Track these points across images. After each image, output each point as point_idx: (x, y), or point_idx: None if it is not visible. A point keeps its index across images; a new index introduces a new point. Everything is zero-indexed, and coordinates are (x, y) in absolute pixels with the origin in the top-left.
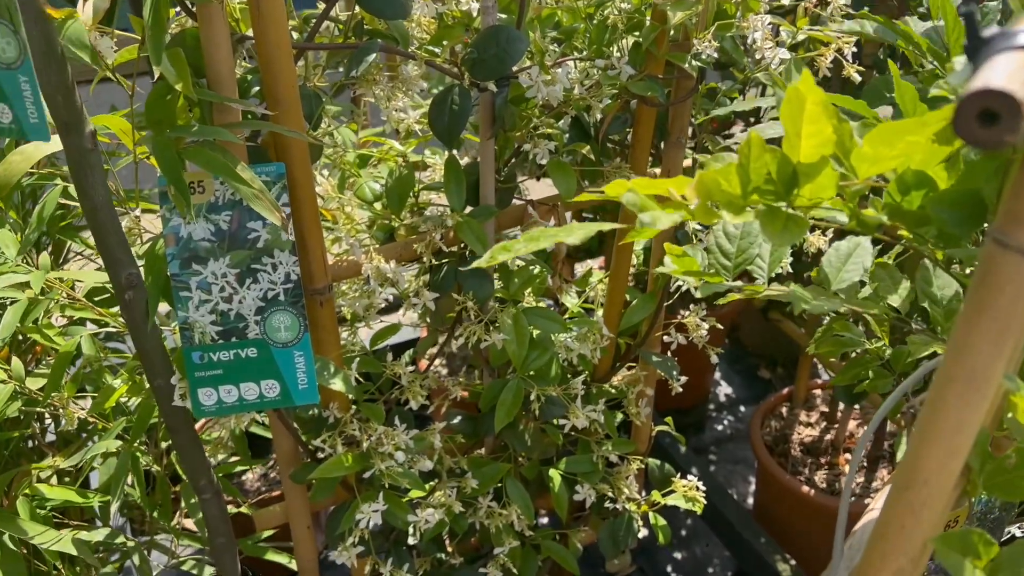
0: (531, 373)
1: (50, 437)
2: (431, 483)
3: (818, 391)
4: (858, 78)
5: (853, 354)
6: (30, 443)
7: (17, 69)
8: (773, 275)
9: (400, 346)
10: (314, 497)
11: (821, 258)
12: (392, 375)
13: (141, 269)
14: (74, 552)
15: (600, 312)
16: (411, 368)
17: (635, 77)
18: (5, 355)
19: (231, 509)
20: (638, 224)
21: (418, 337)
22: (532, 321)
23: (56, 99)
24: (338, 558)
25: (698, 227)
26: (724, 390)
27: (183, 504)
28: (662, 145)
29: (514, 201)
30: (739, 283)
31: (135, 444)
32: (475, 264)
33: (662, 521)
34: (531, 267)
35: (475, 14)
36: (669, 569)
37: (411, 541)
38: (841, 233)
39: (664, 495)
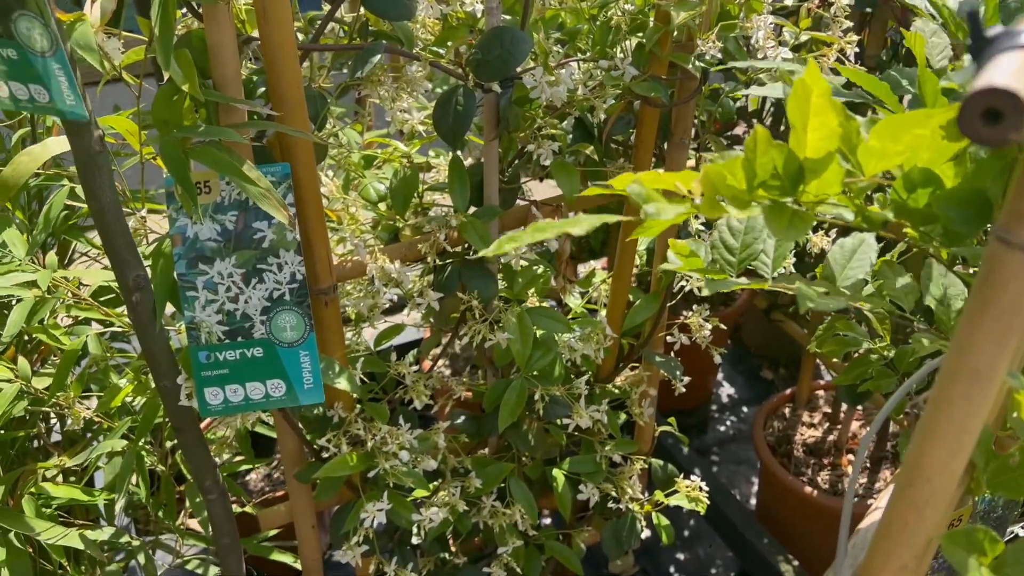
0: (535, 373)
1: (55, 437)
2: (435, 483)
3: (821, 392)
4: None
5: (856, 354)
6: (36, 443)
7: (51, 57)
8: (777, 272)
9: (404, 346)
10: (319, 496)
11: (825, 257)
12: (396, 375)
13: (148, 270)
14: (81, 547)
15: (603, 312)
16: (415, 368)
17: (639, 78)
18: (11, 355)
19: (236, 509)
20: (643, 216)
21: (422, 337)
22: (536, 321)
23: None
24: (342, 557)
25: (701, 227)
26: (727, 391)
27: (188, 504)
28: (665, 146)
29: (518, 202)
30: (743, 279)
31: (140, 444)
32: (481, 253)
33: (665, 521)
34: (535, 267)
35: (479, 15)
36: (672, 570)
37: (415, 541)
38: (845, 233)
39: (667, 495)
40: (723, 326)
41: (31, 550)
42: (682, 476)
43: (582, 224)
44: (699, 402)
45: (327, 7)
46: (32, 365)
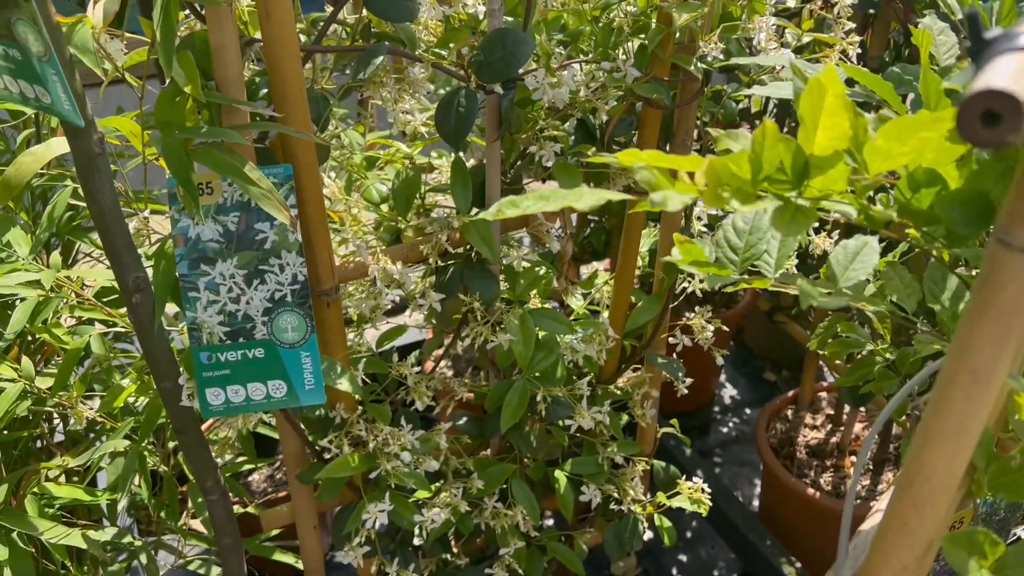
0: (537, 374)
1: (58, 437)
2: (437, 484)
3: (823, 394)
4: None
5: (858, 355)
6: (38, 443)
7: (46, 62)
8: (780, 272)
9: (406, 347)
10: (320, 497)
11: (827, 259)
12: (398, 376)
13: (149, 271)
14: (83, 547)
15: (606, 314)
16: (417, 369)
17: (641, 79)
18: (15, 355)
19: (237, 509)
20: (650, 204)
21: (424, 338)
22: (538, 322)
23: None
24: (344, 558)
25: (703, 229)
26: (729, 392)
27: (190, 504)
28: (667, 147)
29: None
30: (746, 276)
31: (143, 444)
32: (481, 215)
33: (668, 523)
34: (537, 269)
35: (481, 17)
36: (674, 571)
37: (417, 542)
38: (847, 235)
39: (669, 497)
40: (725, 328)
41: (33, 550)
42: (684, 478)
43: (585, 198)
44: (701, 403)
45: (329, 8)
46: (36, 365)
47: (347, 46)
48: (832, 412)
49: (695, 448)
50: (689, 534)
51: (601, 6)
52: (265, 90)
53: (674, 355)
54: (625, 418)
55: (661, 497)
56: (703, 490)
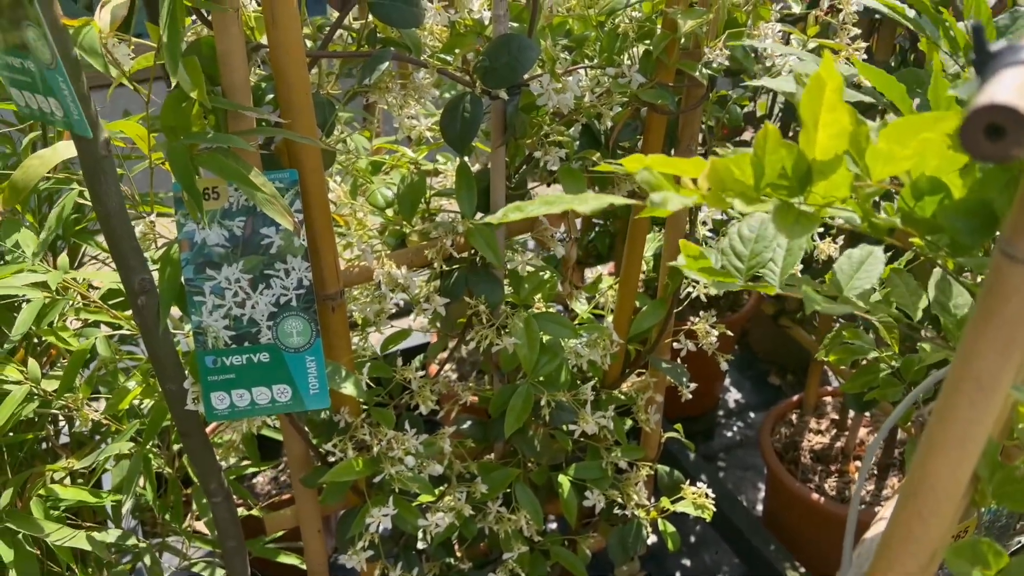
0: (541, 379)
1: (63, 439)
2: (440, 488)
3: (828, 398)
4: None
5: (863, 361)
6: (44, 445)
7: (54, 70)
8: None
9: (410, 351)
10: (325, 501)
11: (830, 265)
12: (402, 380)
13: (155, 274)
14: (88, 548)
15: (610, 318)
16: (421, 373)
17: (646, 85)
18: (21, 357)
19: (241, 511)
20: (649, 204)
21: (428, 342)
22: (543, 326)
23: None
24: (348, 562)
25: (708, 234)
26: (734, 396)
27: (194, 506)
28: (672, 152)
29: None
30: (751, 283)
31: (148, 447)
32: (487, 219)
33: (671, 528)
34: (542, 273)
35: (487, 22)
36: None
37: (420, 546)
38: (851, 242)
39: (673, 502)
40: (730, 332)
41: (38, 552)
42: (688, 482)
43: (589, 203)
44: (705, 408)
45: (334, 13)
46: (41, 367)
47: (353, 52)
48: (837, 417)
49: (699, 452)
50: (693, 538)
51: (606, 12)
52: (271, 95)
53: (678, 359)
54: (629, 423)
55: (665, 502)
56: (707, 495)
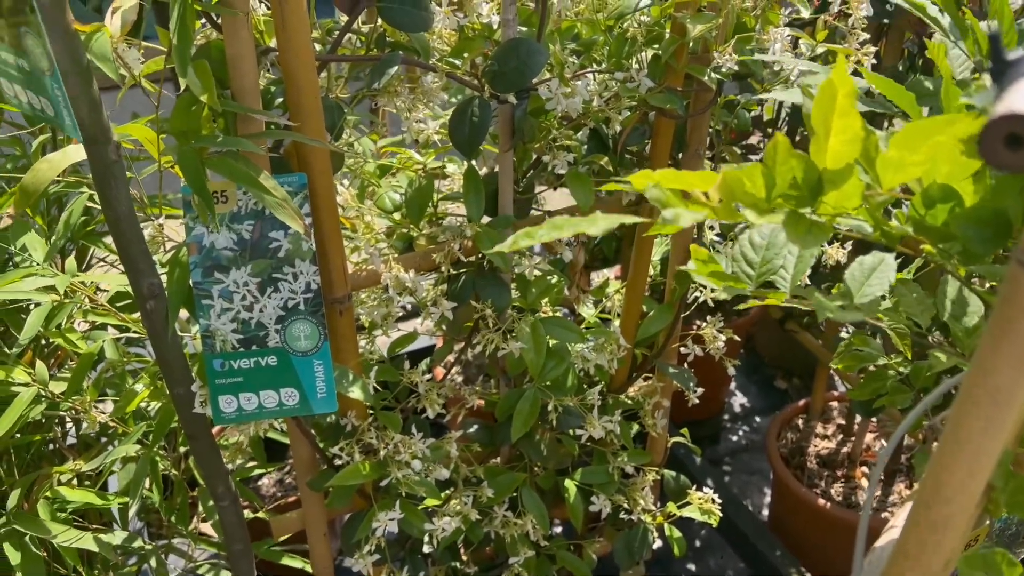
0: (548, 383)
1: (69, 441)
2: (447, 492)
3: (835, 403)
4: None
5: (871, 368)
6: (51, 446)
7: (50, 76)
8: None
9: (415, 353)
10: (331, 504)
11: (839, 270)
12: (409, 383)
13: (163, 278)
14: (96, 550)
15: (617, 322)
16: (428, 376)
17: (654, 90)
18: (29, 359)
19: (248, 514)
20: (660, 220)
21: (433, 345)
22: (549, 331)
23: (82, 111)
24: (354, 566)
25: (716, 238)
26: (740, 400)
27: (200, 508)
28: (680, 156)
29: (532, 212)
30: (762, 291)
31: (154, 449)
32: (497, 248)
33: (677, 533)
34: (549, 277)
35: (496, 27)
36: None
37: (426, 549)
38: (859, 247)
39: (680, 507)
40: (736, 337)
41: (45, 553)
42: (694, 487)
43: (599, 224)
44: (711, 412)
45: (341, 16)
46: (49, 369)
47: (362, 55)
48: (843, 422)
49: (705, 457)
50: (698, 543)
51: (615, 16)
52: (280, 99)
53: (685, 364)
54: (636, 427)
55: (671, 507)
56: (713, 500)
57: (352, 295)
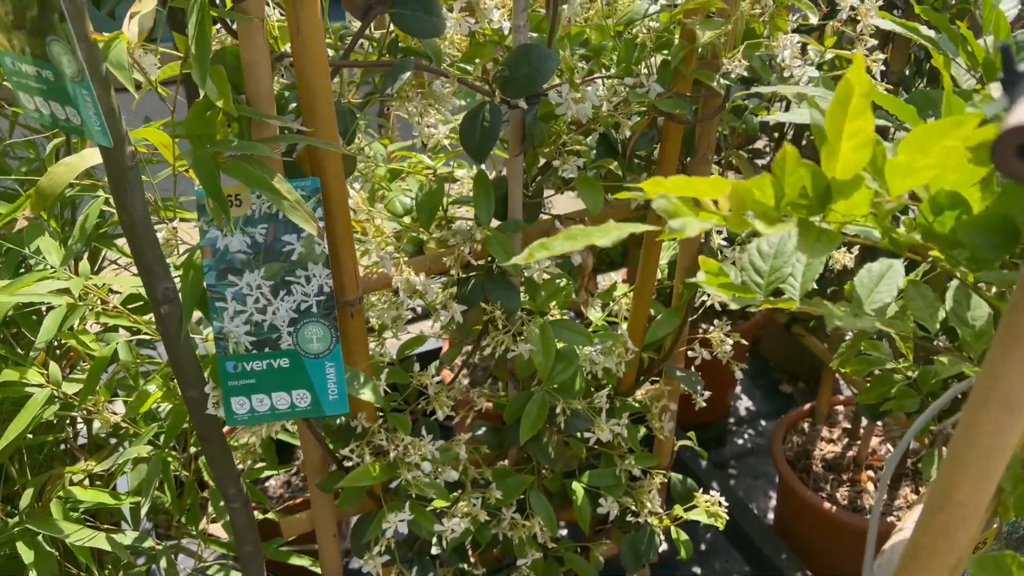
0: (556, 386)
1: (80, 441)
2: (454, 493)
3: (840, 407)
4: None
5: (877, 372)
6: (62, 447)
7: (79, 83)
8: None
9: (423, 355)
10: (341, 506)
11: (845, 275)
12: (419, 386)
13: (176, 280)
14: (108, 549)
15: (624, 325)
16: (437, 379)
17: (664, 95)
18: (42, 360)
19: (257, 515)
20: (668, 231)
21: (440, 348)
22: (558, 334)
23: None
24: (364, 567)
25: (723, 242)
26: (745, 404)
27: (209, 508)
28: (688, 160)
29: (541, 216)
30: (772, 298)
31: (166, 450)
32: (513, 260)
33: (684, 536)
34: (557, 280)
35: (507, 32)
36: None
37: (434, 551)
38: (866, 252)
39: (687, 510)
40: (743, 340)
41: (57, 552)
42: (700, 490)
43: (610, 234)
44: (717, 415)
45: (355, 22)
46: (61, 370)
47: (375, 61)
48: (849, 426)
49: (710, 460)
50: (703, 546)
51: (624, 22)
52: (294, 104)
53: (692, 368)
54: (643, 430)
55: (678, 510)
56: (720, 503)
57: (363, 298)
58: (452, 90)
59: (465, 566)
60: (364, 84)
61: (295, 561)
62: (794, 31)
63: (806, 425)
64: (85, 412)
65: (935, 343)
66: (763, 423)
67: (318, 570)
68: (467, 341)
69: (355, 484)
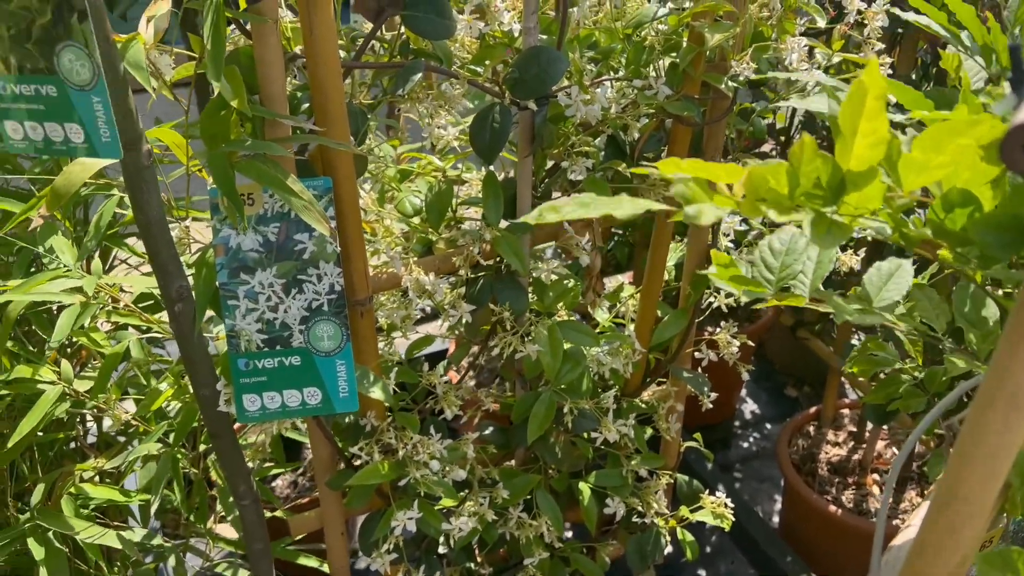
0: (563, 386)
1: (90, 439)
2: (462, 493)
3: (846, 411)
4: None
5: (883, 373)
6: (72, 444)
7: (91, 90)
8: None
9: (430, 356)
10: (350, 504)
11: (852, 277)
12: (427, 385)
13: (189, 279)
14: (118, 547)
15: (631, 327)
16: (444, 379)
17: (672, 97)
18: (53, 357)
19: (265, 513)
20: (684, 218)
21: (446, 348)
22: (565, 334)
23: (118, 119)
24: (372, 565)
25: (730, 244)
26: (750, 407)
27: (218, 507)
28: None
29: None
30: (782, 294)
31: (176, 448)
32: (523, 219)
33: (690, 537)
34: (566, 281)
35: (517, 35)
36: None
37: (441, 550)
38: (873, 253)
39: (693, 511)
40: (751, 343)
41: (66, 549)
42: (706, 492)
43: (624, 207)
44: (722, 417)
45: (366, 25)
46: (73, 368)
47: (387, 63)
48: (854, 429)
49: (716, 462)
50: (709, 549)
51: (633, 24)
52: (306, 104)
53: (699, 369)
54: (649, 431)
55: (684, 511)
56: (726, 505)
57: (373, 297)
58: (462, 91)
59: (472, 565)
60: (374, 86)
61: (304, 561)
62: (802, 35)
63: (811, 428)
64: (95, 410)
65: (944, 343)
66: (768, 426)
67: (326, 569)
68: (475, 341)
69: (364, 482)
